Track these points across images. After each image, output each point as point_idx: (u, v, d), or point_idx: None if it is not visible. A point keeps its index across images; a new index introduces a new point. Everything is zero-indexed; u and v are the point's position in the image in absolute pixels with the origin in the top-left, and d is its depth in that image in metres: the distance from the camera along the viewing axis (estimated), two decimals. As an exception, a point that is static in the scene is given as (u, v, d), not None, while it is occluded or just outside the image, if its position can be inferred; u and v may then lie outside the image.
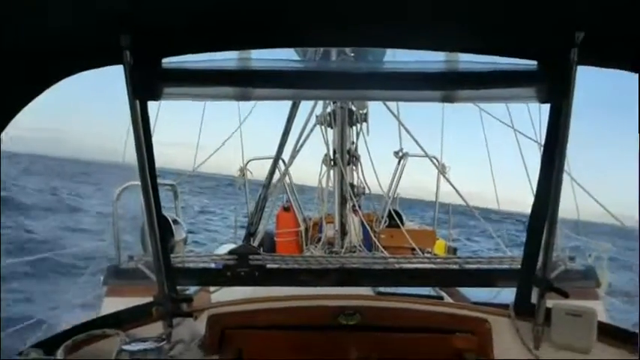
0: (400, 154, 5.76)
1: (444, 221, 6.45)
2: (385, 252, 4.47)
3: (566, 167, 1.83)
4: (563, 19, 1.51)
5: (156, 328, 1.97)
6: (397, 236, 5.30)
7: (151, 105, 1.82)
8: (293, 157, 5.00)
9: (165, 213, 2.31)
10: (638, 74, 1.60)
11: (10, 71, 1.56)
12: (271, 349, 2.08)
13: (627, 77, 1.64)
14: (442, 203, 6.29)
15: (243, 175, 5.88)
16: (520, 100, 2.26)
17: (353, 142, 5.52)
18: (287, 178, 5.38)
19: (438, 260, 3.28)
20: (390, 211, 5.72)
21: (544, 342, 2.00)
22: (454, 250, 6.00)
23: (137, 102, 1.73)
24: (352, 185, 5.31)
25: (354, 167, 5.64)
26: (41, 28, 1.44)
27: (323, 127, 5.04)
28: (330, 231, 4.98)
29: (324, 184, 5.42)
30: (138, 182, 1.85)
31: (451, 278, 2.58)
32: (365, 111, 5.41)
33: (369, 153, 5.59)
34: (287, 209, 5.64)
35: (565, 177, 1.85)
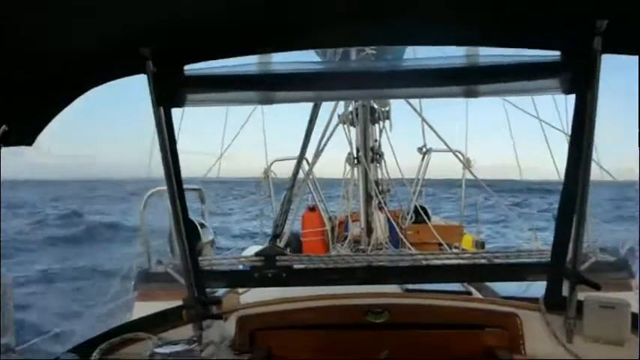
0: (424, 149, 5.73)
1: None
2: (412, 248, 4.44)
3: (594, 157, 1.79)
4: (585, 7, 1.47)
5: (186, 331, 2.00)
6: (424, 232, 5.27)
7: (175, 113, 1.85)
8: (317, 156, 5.01)
9: (192, 217, 2.34)
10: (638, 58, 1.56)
11: (44, 82, 1.61)
12: (301, 349, 2.09)
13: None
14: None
15: (267, 176, 5.93)
16: (544, 92, 2.21)
17: (376, 140, 5.52)
18: (311, 177, 5.40)
19: (466, 255, 3.24)
20: (415, 207, 5.69)
21: (576, 335, 1.96)
22: (482, 244, 5.93)
23: (161, 109, 1.76)
24: (377, 182, 5.30)
25: (377, 164, 5.63)
26: (70, 39, 1.48)
27: (345, 125, 5.03)
28: (356, 229, 4.99)
29: (348, 183, 5.42)
30: (164, 187, 1.89)
31: (480, 273, 2.54)
32: (387, 108, 5.40)
33: (392, 150, 5.58)
34: (312, 209, 5.68)
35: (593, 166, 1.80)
